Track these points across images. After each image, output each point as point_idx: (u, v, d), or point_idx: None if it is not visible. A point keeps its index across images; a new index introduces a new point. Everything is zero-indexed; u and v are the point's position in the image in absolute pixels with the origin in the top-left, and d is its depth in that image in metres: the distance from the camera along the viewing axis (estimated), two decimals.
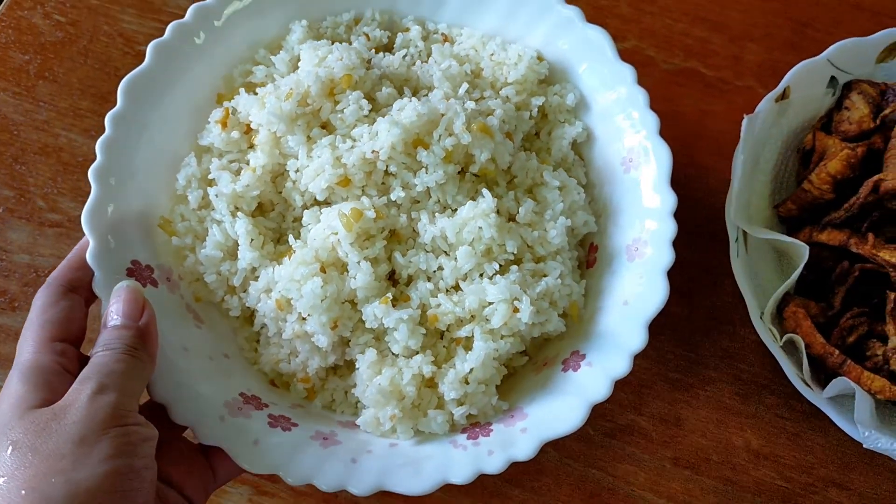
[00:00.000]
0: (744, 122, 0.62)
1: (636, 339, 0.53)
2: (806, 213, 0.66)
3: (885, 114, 0.65)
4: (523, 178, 0.60)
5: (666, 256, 0.55)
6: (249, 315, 0.59)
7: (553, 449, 0.65)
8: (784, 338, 0.60)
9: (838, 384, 0.57)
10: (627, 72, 0.59)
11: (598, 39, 0.60)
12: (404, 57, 0.64)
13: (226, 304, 0.58)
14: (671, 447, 0.65)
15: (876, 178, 0.62)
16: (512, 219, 0.58)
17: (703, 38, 0.79)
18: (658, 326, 0.55)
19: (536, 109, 0.62)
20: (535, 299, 0.54)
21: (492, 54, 0.63)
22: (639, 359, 0.53)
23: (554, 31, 0.62)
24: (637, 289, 0.55)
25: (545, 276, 0.57)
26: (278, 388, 0.59)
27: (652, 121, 0.58)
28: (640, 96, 0.58)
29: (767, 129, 0.65)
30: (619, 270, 0.58)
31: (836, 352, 0.60)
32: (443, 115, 0.56)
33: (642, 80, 0.58)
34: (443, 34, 0.65)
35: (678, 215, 0.55)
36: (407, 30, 0.66)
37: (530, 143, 0.63)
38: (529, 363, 0.59)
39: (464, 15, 0.65)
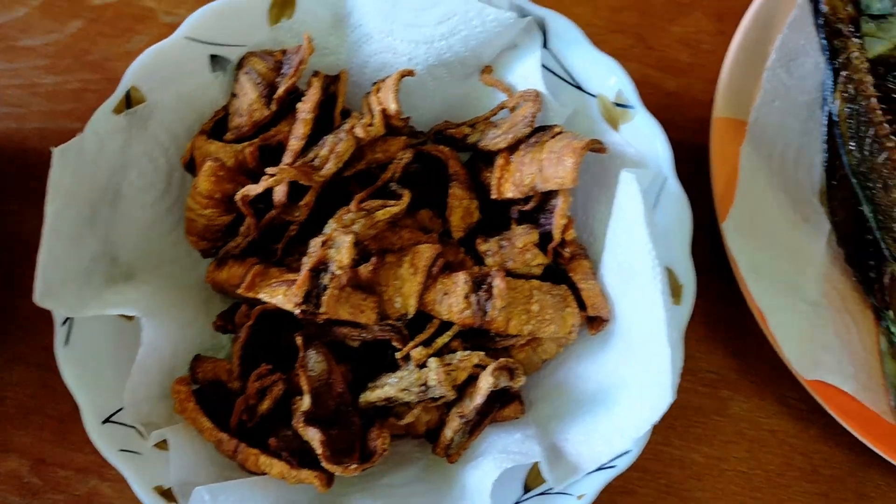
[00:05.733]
0: (55, 157, 0.45)
1: None
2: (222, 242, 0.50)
3: (280, 95, 0.49)
4: None
5: None
6: None
7: None
8: (153, 436, 0.44)
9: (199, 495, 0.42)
10: None
11: None
12: None
13: None
14: None
15: (243, 191, 0.46)
16: None
17: None
18: None
19: None
20: None
21: None
22: None
23: None
24: None
25: None
26: None
27: None
28: None
29: (117, 152, 0.48)
30: None
31: (226, 437, 0.45)
32: None
33: None
34: None
35: None
36: None
37: None
38: None
39: None
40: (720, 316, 0.56)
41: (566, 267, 0.49)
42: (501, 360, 0.45)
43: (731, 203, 0.52)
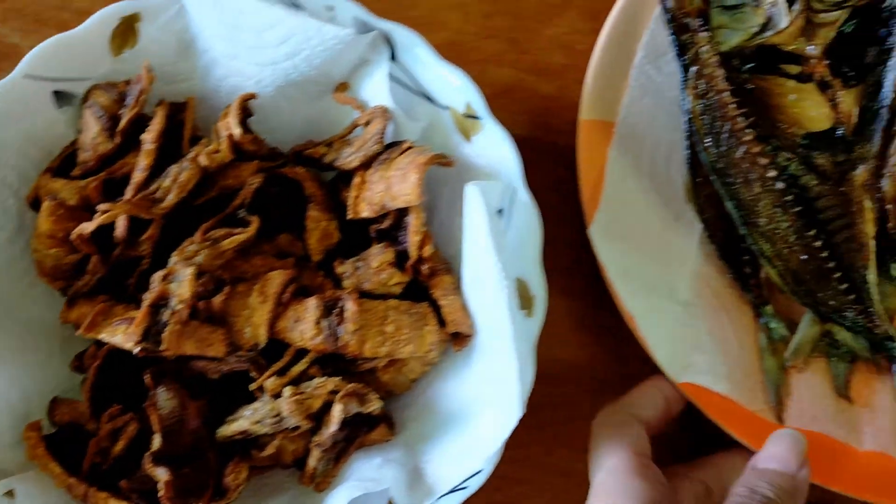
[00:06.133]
0: None
1: None
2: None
3: (123, 126, 0.48)
4: None
5: None
6: None
7: None
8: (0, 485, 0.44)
9: None
10: None
11: None
12: None
13: None
14: None
15: (77, 230, 0.45)
16: None
17: None
18: None
19: None
20: None
21: None
22: None
23: None
24: None
25: None
26: None
27: None
28: None
29: None
30: None
31: (75, 481, 0.44)
32: None
33: None
34: None
35: None
36: None
37: None
38: None
39: None
40: (602, 321, 0.55)
41: (427, 283, 0.48)
42: (350, 386, 0.44)
43: (598, 207, 0.51)
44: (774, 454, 0.44)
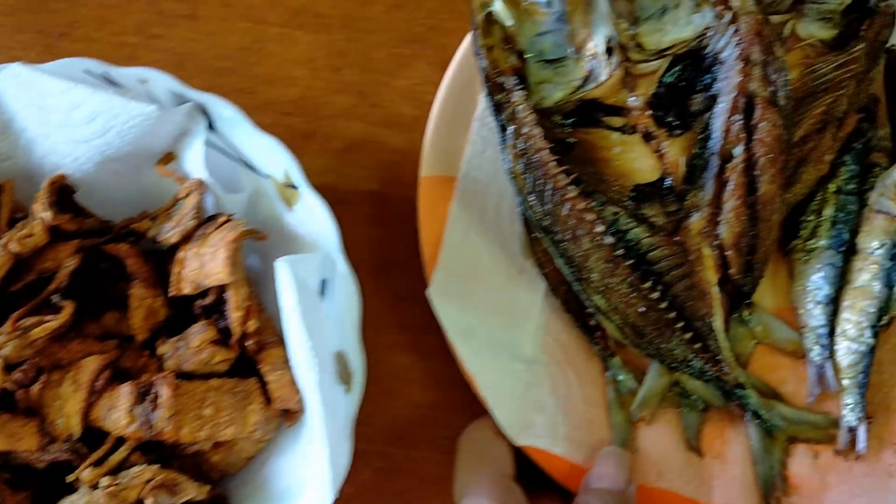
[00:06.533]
0: None
1: None
2: None
3: None
4: None
5: None
6: None
7: None
8: None
9: None
10: None
11: None
12: None
13: None
14: None
15: None
16: None
17: None
18: None
19: None
20: None
21: None
22: None
23: None
24: None
25: None
26: None
27: None
28: None
29: None
30: None
31: None
32: None
33: None
34: None
35: None
36: None
37: None
38: None
39: None
40: (454, 378, 0.54)
41: (256, 358, 0.47)
42: (160, 476, 0.43)
43: (436, 266, 0.50)
44: (604, 473, 0.47)
